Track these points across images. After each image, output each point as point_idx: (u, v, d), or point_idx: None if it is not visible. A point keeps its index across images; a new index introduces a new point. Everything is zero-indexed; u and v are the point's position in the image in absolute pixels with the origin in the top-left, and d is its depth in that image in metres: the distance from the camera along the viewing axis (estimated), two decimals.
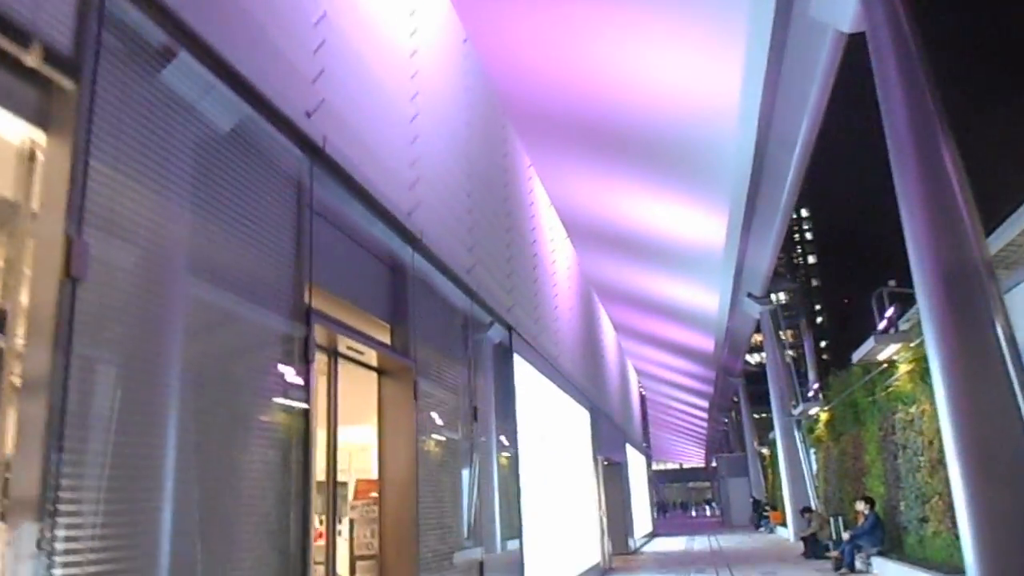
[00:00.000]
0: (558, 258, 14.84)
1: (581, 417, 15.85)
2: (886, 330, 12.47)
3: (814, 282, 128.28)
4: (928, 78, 9.50)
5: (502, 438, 9.18)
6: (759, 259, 21.43)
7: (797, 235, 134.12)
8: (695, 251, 20.25)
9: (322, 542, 6.61)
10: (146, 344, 3.29)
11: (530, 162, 12.91)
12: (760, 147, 14.27)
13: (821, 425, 20.67)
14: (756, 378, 42.18)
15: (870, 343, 12.82)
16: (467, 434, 7.78)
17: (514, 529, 9.12)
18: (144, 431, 3.21)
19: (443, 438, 7.05)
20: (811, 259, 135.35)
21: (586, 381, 16.96)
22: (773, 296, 25.63)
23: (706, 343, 30.45)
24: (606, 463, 21.15)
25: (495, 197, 10.03)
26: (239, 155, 4.15)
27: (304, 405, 4.43)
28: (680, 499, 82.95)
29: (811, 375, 25.45)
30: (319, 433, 5.40)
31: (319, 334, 5.15)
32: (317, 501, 5.36)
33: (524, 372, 10.65)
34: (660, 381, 41.28)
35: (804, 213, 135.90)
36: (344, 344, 5.62)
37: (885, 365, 13.74)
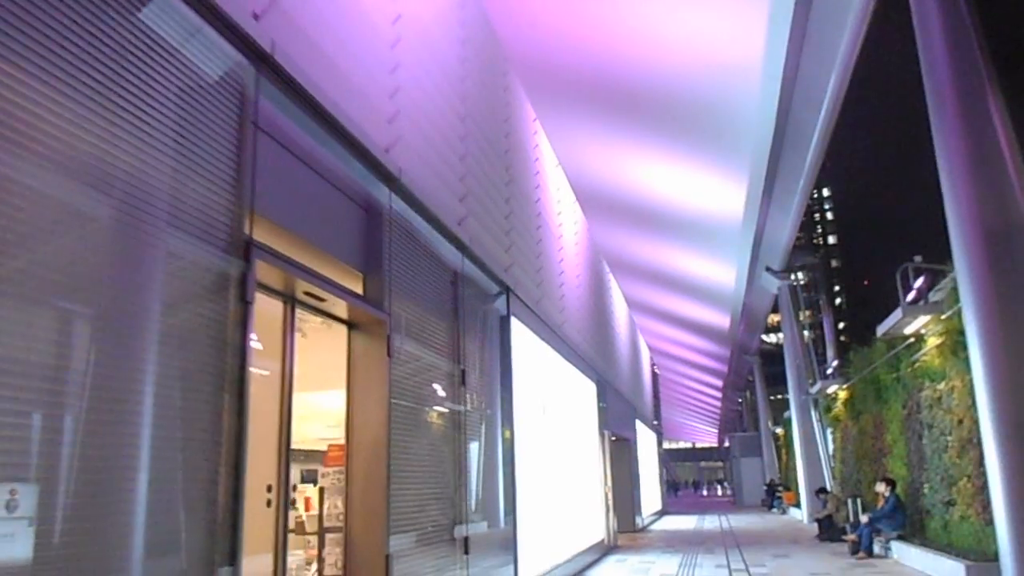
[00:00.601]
0: (564, 222, 14.08)
1: (587, 390, 15.15)
2: (915, 301, 11.65)
3: (834, 263, 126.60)
4: (974, 22, 8.66)
5: (496, 407, 8.49)
6: (779, 229, 20.56)
7: (818, 214, 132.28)
8: (712, 221, 19.41)
9: (304, 512, 6.01)
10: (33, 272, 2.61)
11: (535, 115, 12.11)
12: (784, 106, 13.40)
13: (839, 404, 19.87)
14: (772, 358, 41.39)
15: (897, 315, 12.02)
16: (453, 400, 7.08)
17: (507, 504, 8.45)
18: (27, 374, 2.58)
19: (423, 402, 6.35)
20: (831, 239, 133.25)
21: (594, 353, 16.25)
22: (793, 277, 24.75)
23: (722, 320, 29.61)
24: (614, 439, 20.50)
25: (493, 146, 9.27)
26: (164, 53, 3.44)
27: (240, 349, 3.75)
28: (692, 478, 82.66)
29: (830, 353, 24.65)
30: (274, 390, 4.72)
31: (270, 275, 4.45)
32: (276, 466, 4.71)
33: (524, 338, 9.95)
34: (674, 359, 40.50)
35: (825, 192, 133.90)
36: (303, 290, 4.91)
37: (912, 340, 12.93)
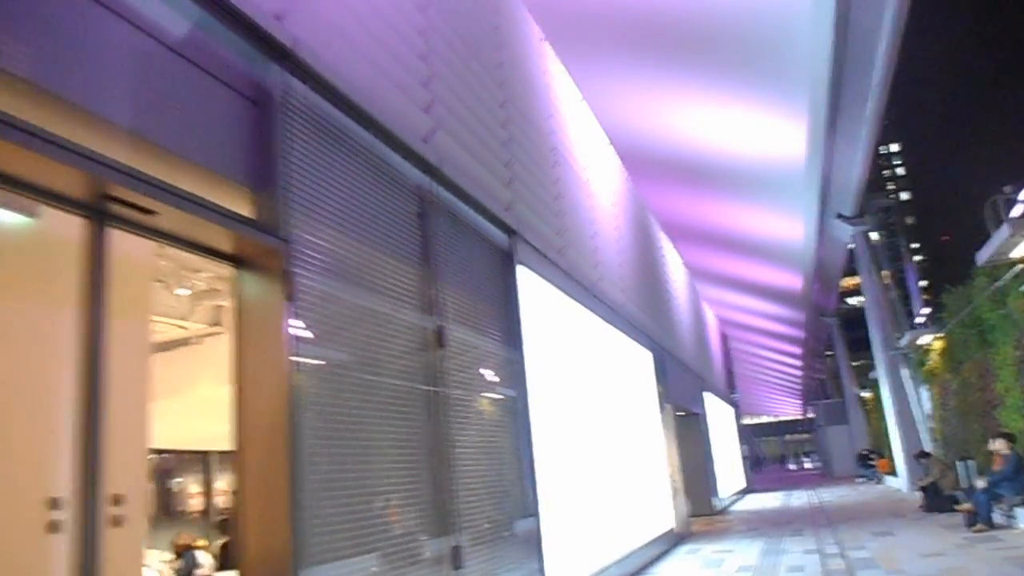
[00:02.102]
0: (595, 168, 12.20)
1: (641, 359, 13.24)
2: None
3: (908, 220, 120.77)
4: None
5: (505, 377, 6.72)
6: (848, 167, 18.22)
7: (887, 171, 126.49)
8: (772, 167, 17.24)
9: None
10: None
11: (543, 35, 10.28)
12: (841, 14, 11.33)
13: (934, 355, 17.46)
14: (850, 323, 38.67)
15: (1003, 233, 9.85)
16: (425, 368, 5.34)
17: (525, 500, 6.68)
18: None
19: (367, 368, 4.61)
20: (904, 196, 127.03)
21: (646, 317, 14.32)
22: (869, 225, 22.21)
23: (793, 281, 27.19)
24: (681, 414, 18.52)
25: (476, 53, 7.48)
26: None
27: None
28: (779, 452, 79.72)
29: (916, 303, 22.14)
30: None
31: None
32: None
33: (541, 292, 8.15)
34: (746, 328, 38.01)
35: (894, 148, 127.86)
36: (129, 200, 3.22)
37: (1022, 265, 10.71)
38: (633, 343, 12.60)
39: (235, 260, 4.04)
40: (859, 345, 40.74)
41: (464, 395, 5.84)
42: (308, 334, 4.04)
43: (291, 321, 3.89)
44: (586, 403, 9.28)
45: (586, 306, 9.86)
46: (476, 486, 5.75)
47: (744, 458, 32.52)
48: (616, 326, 11.42)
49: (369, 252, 4.82)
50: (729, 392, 33.19)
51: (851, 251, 23.84)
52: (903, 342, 19.79)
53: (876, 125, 15.81)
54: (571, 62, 11.48)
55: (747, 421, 73.85)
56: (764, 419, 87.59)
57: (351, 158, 4.82)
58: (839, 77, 13.70)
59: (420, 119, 5.88)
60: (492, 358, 6.63)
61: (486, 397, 6.32)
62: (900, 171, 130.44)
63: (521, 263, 7.56)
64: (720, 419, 26.38)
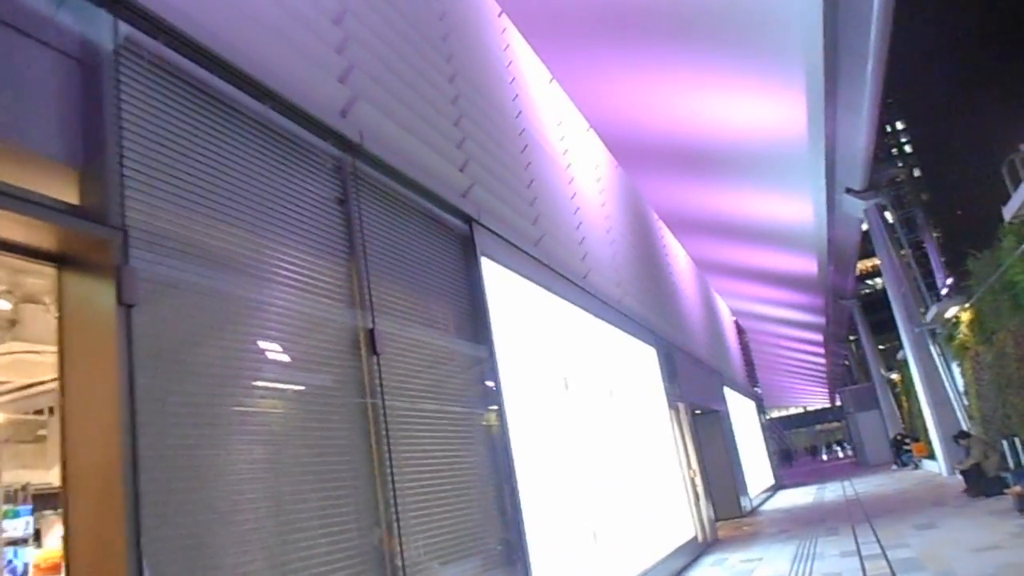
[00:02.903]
0: (576, 154, 11.28)
1: (644, 356, 12.26)
2: None
3: (923, 196, 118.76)
4: None
5: (461, 381, 5.78)
6: (853, 136, 17.16)
7: (895, 149, 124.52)
8: (773, 146, 16.29)
9: None
10: None
11: (500, 8, 9.39)
12: None
13: (963, 327, 16.33)
14: (871, 306, 37.52)
15: None
16: (353, 379, 4.42)
17: (508, 541, 5.72)
18: None
19: (250, 385, 3.69)
20: (916, 173, 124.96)
21: (648, 313, 13.33)
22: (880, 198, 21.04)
23: (808, 265, 26.09)
24: (698, 412, 17.49)
25: (414, 24, 6.57)
26: None
27: None
28: (809, 444, 78.24)
29: (939, 274, 21.00)
30: None
31: None
32: None
33: (514, 287, 7.23)
34: (763, 319, 36.83)
35: (900, 125, 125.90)
36: None
37: None
38: (632, 339, 11.61)
39: (56, 259, 3.14)
40: (882, 328, 39.59)
41: (410, 406, 4.90)
42: (158, 345, 3.13)
43: (131, 329, 2.98)
44: (579, 406, 8.32)
45: (571, 301, 8.91)
46: (432, 519, 4.81)
47: (780, 451, 31.35)
48: (610, 321, 10.45)
49: (257, 241, 3.90)
50: (751, 386, 32.03)
51: (865, 229, 22.73)
52: (929, 316, 18.67)
53: (878, 87, 14.80)
54: (540, 43, 10.61)
55: (775, 414, 72.62)
56: (792, 410, 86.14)
57: (227, 129, 3.92)
58: (834, 38, 12.73)
59: (334, 89, 4.98)
60: (453, 360, 5.69)
61: (446, 406, 5.38)
62: (907, 148, 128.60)
63: (486, 255, 6.64)
64: (743, 415, 25.28)
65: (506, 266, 7.11)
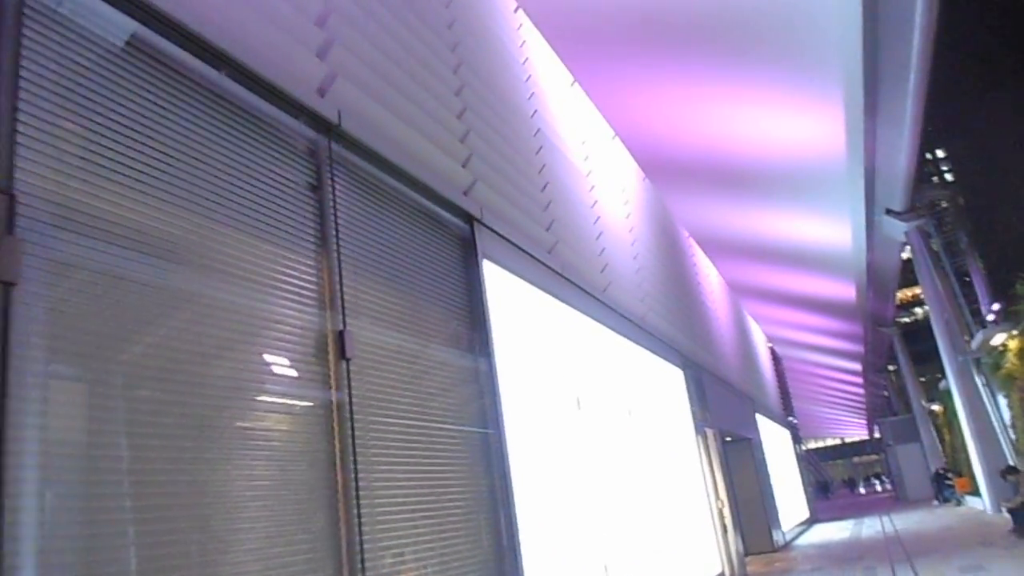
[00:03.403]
0: (599, 160, 10.74)
1: (669, 377, 11.58)
2: None
3: (967, 221, 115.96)
4: None
5: (453, 396, 5.20)
6: (893, 153, 16.39)
7: (936, 177, 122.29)
8: (809, 164, 15.58)
9: None
10: None
11: (517, 5, 8.91)
12: None
13: (1011, 355, 15.41)
14: (911, 335, 36.31)
15: None
16: (307, 390, 3.87)
17: (502, 574, 5.11)
18: None
19: (180, 389, 3.15)
20: (960, 201, 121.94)
21: (675, 332, 12.66)
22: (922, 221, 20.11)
23: (846, 290, 25.19)
24: (729, 440, 16.71)
25: (411, 4, 6.08)
26: None
27: None
28: (847, 476, 76.21)
29: (983, 300, 20.02)
30: None
31: None
32: None
33: (522, 296, 6.67)
34: (799, 346, 35.79)
35: (940, 153, 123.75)
36: None
37: None
38: (656, 358, 10.96)
39: None
40: (922, 359, 38.32)
41: (387, 419, 4.33)
42: (51, 332, 2.60)
43: (8, 311, 2.46)
44: (592, 427, 7.69)
45: (589, 314, 8.31)
46: (407, 549, 4.22)
47: (817, 484, 30.26)
48: (632, 339, 9.82)
49: (202, 225, 3.38)
50: (785, 414, 31.00)
51: (906, 258, 21.85)
52: (974, 344, 17.70)
53: (920, 100, 14.06)
54: (563, 46, 10.12)
55: (812, 445, 70.86)
56: (829, 441, 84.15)
57: (169, 95, 3.41)
58: (875, 45, 12.08)
59: (311, 64, 4.48)
60: (443, 371, 5.12)
61: (432, 422, 4.80)
62: (948, 176, 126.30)
63: (489, 258, 6.08)
64: (777, 444, 24.33)
65: (513, 272, 6.55)
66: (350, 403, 4.02)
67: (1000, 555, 10.94)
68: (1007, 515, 13.98)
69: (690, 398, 12.34)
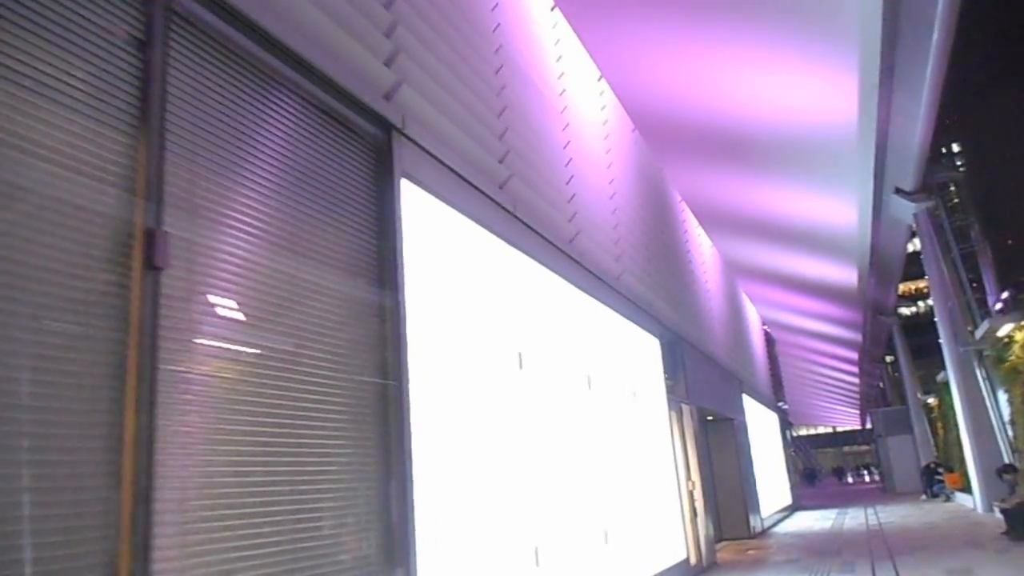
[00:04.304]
0: (575, 95, 9.64)
1: (643, 346, 10.56)
2: None
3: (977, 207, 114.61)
4: None
5: (337, 332, 4.17)
6: (908, 125, 15.23)
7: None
8: (817, 129, 14.41)
9: None
10: None
11: None
12: None
13: (1017, 347, 14.39)
14: (911, 329, 35.36)
15: None
16: (90, 307, 2.84)
17: (388, 554, 4.12)
18: None
19: None
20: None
21: (654, 297, 11.61)
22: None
23: (847, 275, 24.17)
24: (710, 419, 15.76)
25: None
26: None
27: None
28: (836, 465, 75.91)
29: (990, 289, 18.93)
30: None
31: None
32: None
33: (455, 226, 5.63)
34: (796, 331, 34.79)
35: (955, 148, 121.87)
36: None
37: None
38: (630, 324, 9.93)
39: None
40: (921, 353, 37.37)
41: (216, 354, 3.30)
42: None
43: None
44: (537, 391, 6.69)
45: (547, 265, 7.28)
46: (228, 530, 3.21)
47: (805, 471, 29.43)
48: (600, 299, 8.79)
49: None
50: (775, 399, 30.06)
51: (911, 237, 20.75)
52: (979, 334, 16.66)
53: (943, 61, 12.85)
54: (567, 8, 9.09)
55: (802, 432, 70.24)
56: (820, 429, 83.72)
57: None
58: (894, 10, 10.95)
59: None
60: (320, 304, 4.08)
61: (294, 366, 3.78)
62: (963, 170, 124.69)
63: (410, 177, 5.03)
64: (763, 427, 23.41)
65: (448, 202, 5.53)
66: (154, 330, 2.99)
67: (992, 558, 10.00)
68: (999, 515, 13.05)
69: (665, 370, 11.33)
